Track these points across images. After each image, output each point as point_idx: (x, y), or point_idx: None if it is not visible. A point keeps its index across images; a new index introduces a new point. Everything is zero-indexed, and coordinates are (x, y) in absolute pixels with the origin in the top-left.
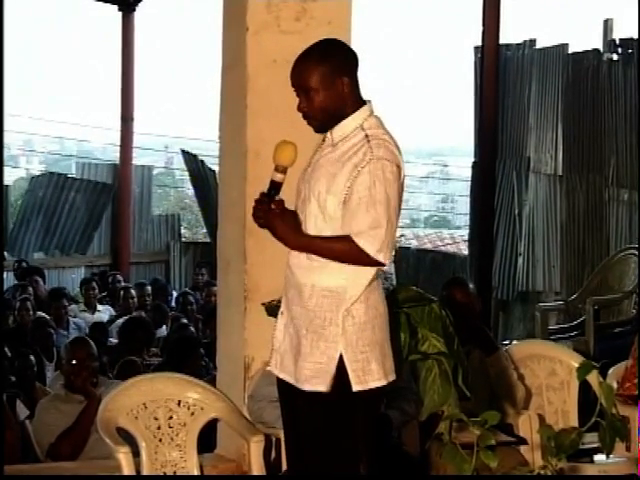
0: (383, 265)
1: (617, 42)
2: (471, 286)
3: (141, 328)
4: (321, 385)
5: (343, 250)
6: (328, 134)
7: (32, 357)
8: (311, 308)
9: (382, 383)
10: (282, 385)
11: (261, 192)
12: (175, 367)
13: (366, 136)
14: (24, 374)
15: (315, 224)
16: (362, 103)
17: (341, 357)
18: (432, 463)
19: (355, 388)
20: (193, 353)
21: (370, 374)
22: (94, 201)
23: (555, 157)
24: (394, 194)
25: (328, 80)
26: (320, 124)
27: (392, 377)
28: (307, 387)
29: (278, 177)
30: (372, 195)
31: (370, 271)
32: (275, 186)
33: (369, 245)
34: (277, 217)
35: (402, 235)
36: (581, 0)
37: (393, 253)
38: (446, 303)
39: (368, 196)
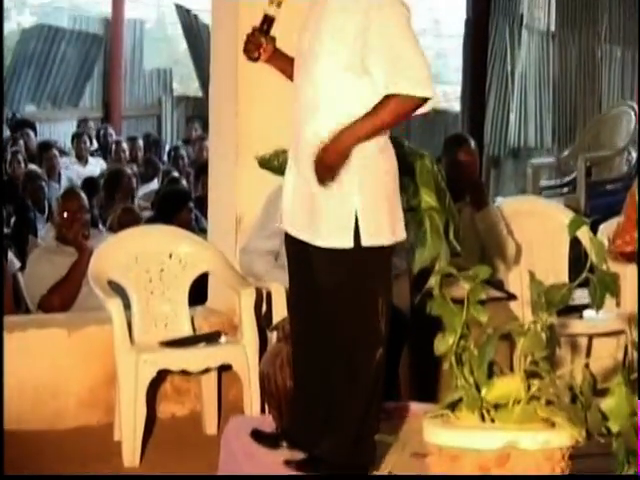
0: (429, 99)
1: None
2: (472, 143)
3: (123, 176)
4: (341, 240)
5: (390, 109)
6: None
7: (30, 213)
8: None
9: (391, 241)
10: (294, 242)
11: (253, 26)
12: (165, 221)
13: None
14: (20, 228)
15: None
16: None
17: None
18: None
19: (367, 242)
20: (183, 206)
21: (381, 230)
22: (85, 53)
23: (548, 13)
24: (411, 32)
25: None
26: None
27: (400, 237)
28: (327, 244)
29: (272, 10)
30: (390, 41)
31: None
32: (268, 21)
33: (409, 86)
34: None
35: None
36: None
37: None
38: (450, 162)
39: (387, 45)
